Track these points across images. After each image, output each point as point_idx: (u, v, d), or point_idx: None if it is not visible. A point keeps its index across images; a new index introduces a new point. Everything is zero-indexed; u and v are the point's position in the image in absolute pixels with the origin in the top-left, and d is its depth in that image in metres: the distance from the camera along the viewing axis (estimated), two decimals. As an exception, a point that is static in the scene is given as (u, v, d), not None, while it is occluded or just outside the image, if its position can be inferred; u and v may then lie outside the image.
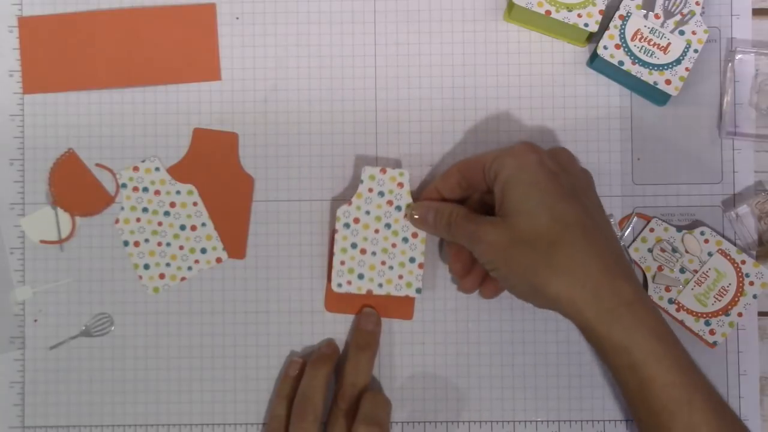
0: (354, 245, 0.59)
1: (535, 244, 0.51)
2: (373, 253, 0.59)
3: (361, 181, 0.59)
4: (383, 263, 0.59)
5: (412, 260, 0.59)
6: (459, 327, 0.61)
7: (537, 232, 0.51)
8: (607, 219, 0.55)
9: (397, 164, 0.61)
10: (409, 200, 0.59)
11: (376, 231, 0.59)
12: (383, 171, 0.59)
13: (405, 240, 0.59)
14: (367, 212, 0.59)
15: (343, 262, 0.59)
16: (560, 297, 0.50)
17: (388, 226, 0.59)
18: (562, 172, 0.53)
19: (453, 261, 0.58)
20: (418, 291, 0.59)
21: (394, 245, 0.59)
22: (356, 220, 0.59)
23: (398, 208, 0.59)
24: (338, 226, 0.59)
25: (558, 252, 0.50)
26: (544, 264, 0.50)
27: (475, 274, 0.58)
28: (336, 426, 0.56)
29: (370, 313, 0.60)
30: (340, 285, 0.59)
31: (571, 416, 0.60)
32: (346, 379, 0.57)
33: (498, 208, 0.53)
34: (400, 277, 0.59)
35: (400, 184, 0.59)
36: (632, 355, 0.50)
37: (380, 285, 0.59)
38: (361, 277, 0.59)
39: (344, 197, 0.61)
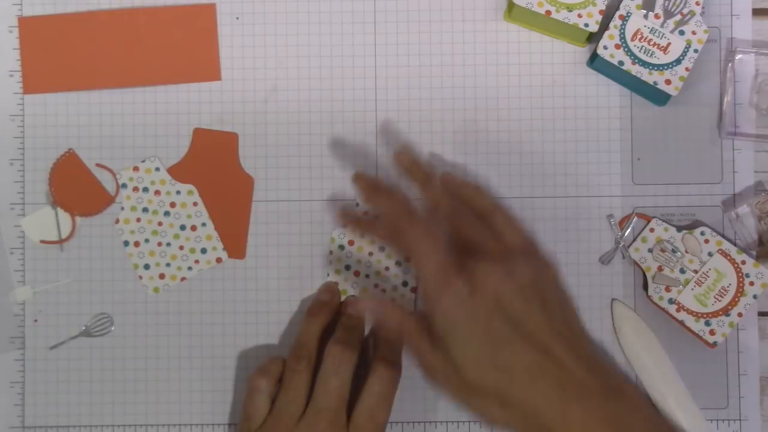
0: (348, 267, 0.60)
1: (486, 392, 0.50)
2: (367, 276, 0.60)
3: (357, 204, 0.59)
4: (376, 286, 0.60)
5: (405, 284, 0.60)
6: (459, 327, 0.61)
7: (486, 386, 0.50)
8: (566, 309, 0.54)
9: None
10: None
11: (370, 254, 0.60)
12: None
13: (398, 264, 0.60)
14: (362, 235, 0.59)
15: (336, 283, 0.60)
16: (515, 429, 0.51)
17: (382, 249, 0.60)
18: (496, 311, 0.51)
19: None
20: None
21: (387, 268, 0.60)
22: (351, 243, 0.60)
23: None
24: (333, 247, 0.60)
25: (509, 398, 0.50)
26: (498, 405, 0.50)
27: None
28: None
29: (354, 301, 0.60)
30: None
31: (571, 416, 0.60)
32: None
33: (438, 339, 0.53)
34: (393, 300, 0.60)
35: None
36: None
37: None
38: (353, 298, 0.60)
39: (344, 197, 0.61)
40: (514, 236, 0.55)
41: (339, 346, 0.56)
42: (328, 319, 0.58)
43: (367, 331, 0.60)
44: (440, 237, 0.53)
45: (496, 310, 0.51)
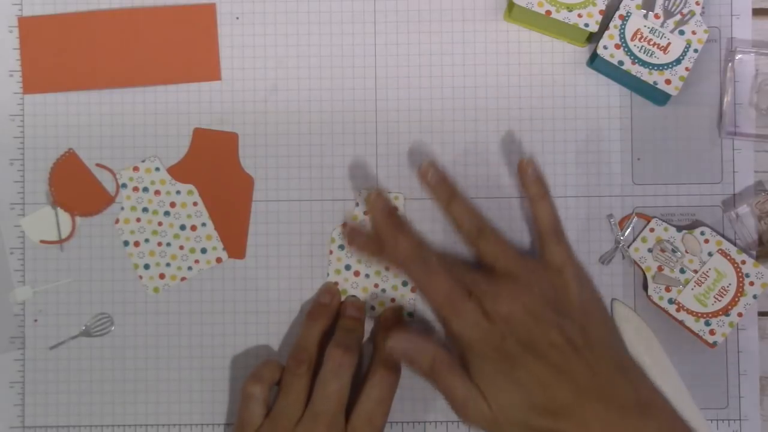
0: (348, 267, 0.60)
1: (512, 422, 0.52)
2: (367, 276, 0.60)
3: (357, 204, 0.59)
4: (376, 286, 0.60)
5: (404, 284, 0.60)
6: (459, 327, 0.60)
7: (522, 423, 0.51)
8: (592, 322, 0.54)
9: (400, 158, 0.61)
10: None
11: None
12: None
13: None
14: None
15: (336, 284, 0.59)
16: None
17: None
18: (507, 331, 0.52)
19: None
20: (410, 315, 0.60)
21: (387, 268, 0.60)
22: None
23: None
24: (333, 247, 0.60)
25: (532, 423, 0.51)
26: None
27: None
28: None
29: (353, 302, 0.60)
30: None
31: (571, 416, 0.60)
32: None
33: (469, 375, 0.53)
34: (393, 300, 0.60)
35: (395, 208, 0.59)
36: None
37: (372, 308, 0.60)
38: (353, 299, 0.60)
39: (344, 197, 0.61)
40: (554, 255, 0.56)
41: (339, 349, 0.56)
42: (328, 322, 0.58)
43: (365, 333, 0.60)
44: (444, 268, 0.54)
45: (507, 331, 0.52)
